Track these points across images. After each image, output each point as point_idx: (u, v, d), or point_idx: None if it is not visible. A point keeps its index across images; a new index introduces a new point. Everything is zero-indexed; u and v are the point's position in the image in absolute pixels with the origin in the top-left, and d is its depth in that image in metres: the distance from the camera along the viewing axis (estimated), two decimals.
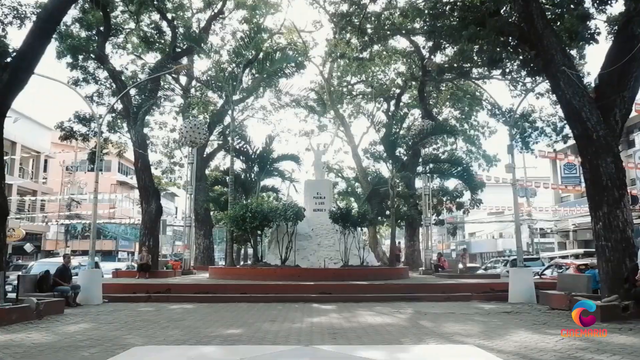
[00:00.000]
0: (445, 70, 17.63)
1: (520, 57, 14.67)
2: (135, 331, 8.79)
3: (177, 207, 64.87)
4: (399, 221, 27.30)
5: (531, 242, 45.60)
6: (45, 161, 42.76)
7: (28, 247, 37.68)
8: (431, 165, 23.90)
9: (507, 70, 15.76)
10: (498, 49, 14.09)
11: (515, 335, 8.38)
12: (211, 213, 31.34)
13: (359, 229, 20.40)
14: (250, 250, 26.95)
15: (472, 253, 58.24)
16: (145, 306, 13.19)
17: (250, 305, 13.21)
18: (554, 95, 13.45)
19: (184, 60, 29.07)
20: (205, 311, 12.06)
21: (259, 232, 19.81)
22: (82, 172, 47.80)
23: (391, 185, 21.43)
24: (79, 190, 44.82)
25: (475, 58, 14.92)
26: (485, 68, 19.41)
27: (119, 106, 21.93)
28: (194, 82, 31.16)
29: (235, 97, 27.13)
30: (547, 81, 19.51)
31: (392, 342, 7.85)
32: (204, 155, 30.23)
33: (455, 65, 15.86)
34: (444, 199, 31.20)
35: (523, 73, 26.83)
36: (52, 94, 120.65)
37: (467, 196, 31.37)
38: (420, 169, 25.55)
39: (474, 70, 30.94)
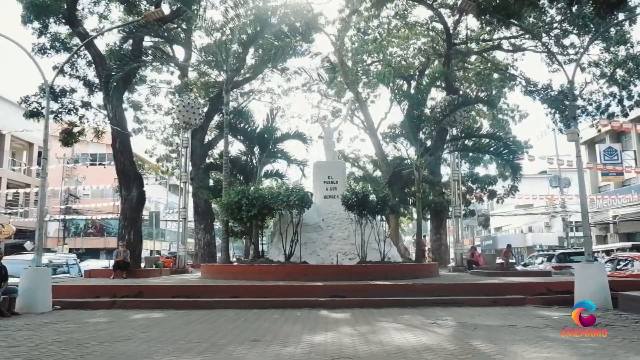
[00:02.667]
0: (487, 11, 14.20)
1: None
2: None
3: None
4: (424, 210, 23.88)
5: (566, 236, 41.58)
6: (41, 153, 40.12)
7: (28, 245, 35.12)
8: (462, 143, 20.25)
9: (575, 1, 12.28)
10: None
11: None
12: (214, 206, 28.20)
13: (379, 218, 17.06)
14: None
15: (499, 248, 54.22)
16: (101, 315, 10.18)
17: (238, 313, 10.25)
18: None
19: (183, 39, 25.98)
20: (172, 323, 9.00)
21: (259, 222, 16.65)
22: (84, 165, 45.39)
23: (416, 166, 17.99)
24: (77, 184, 42.13)
25: None
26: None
27: (95, 80, 18.84)
28: (193, 59, 27.93)
29: (238, 79, 24.02)
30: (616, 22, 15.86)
31: None
32: (205, 143, 27.07)
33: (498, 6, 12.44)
34: (474, 187, 27.64)
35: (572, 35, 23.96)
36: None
37: (500, 184, 27.97)
38: (447, 152, 22.08)
39: (504, 42, 27.92)
